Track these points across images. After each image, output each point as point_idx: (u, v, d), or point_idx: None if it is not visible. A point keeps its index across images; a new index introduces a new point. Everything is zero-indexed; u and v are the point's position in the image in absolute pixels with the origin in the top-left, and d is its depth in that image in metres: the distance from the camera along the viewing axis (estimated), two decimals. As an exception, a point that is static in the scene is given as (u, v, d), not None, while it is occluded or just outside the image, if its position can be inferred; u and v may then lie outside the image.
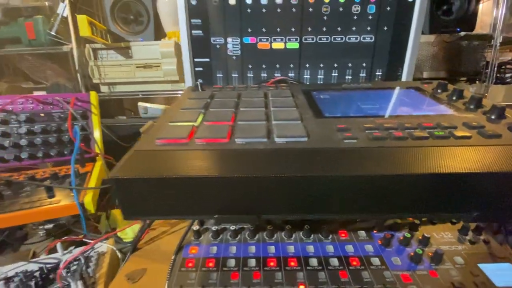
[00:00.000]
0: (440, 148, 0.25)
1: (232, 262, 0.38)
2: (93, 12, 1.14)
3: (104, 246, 0.59)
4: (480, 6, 1.20)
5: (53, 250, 0.58)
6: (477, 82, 1.26)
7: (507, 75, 1.21)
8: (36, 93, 1.21)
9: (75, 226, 0.77)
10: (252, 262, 0.38)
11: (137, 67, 1.10)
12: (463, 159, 0.24)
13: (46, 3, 1.10)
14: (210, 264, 0.38)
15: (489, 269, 0.36)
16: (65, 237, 0.62)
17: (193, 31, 0.58)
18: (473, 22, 1.13)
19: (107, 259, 0.55)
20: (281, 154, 0.26)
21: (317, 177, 0.23)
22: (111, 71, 1.11)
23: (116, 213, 0.71)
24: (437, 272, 0.35)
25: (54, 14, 1.05)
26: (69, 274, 0.49)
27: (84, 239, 0.62)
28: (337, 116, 0.33)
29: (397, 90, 0.45)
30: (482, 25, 1.28)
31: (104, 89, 1.16)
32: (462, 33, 1.12)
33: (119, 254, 0.58)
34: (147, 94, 1.17)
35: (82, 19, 0.88)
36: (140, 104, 1.04)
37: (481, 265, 0.36)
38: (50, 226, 0.79)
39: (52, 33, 1.03)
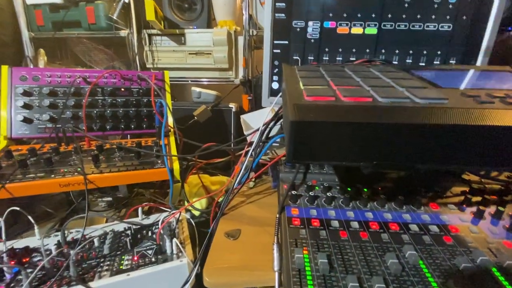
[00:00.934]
0: None
1: (336, 223, 0.41)
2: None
3: (180, 215, 0.63)
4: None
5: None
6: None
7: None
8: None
9: (133, 200, 0.82)
10: (355, 224, 0.41)
11: (189, 53, 1.15)
12: None
13: (107, -11, 1.16)
14: (315, 224, 0.41)
15: None
16: (146, 203, 0.67)
17: (276, 14, 0.61)
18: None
19: (185, 225, 0.59)
20: (429, 111, 0.28)
21: (476, 126, 0.26)
22: (164, 57, 1.16)
23: (185, 187, 0.75)
24: (539, 241, 0.37)
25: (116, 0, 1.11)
26: (165, 234, 0.53)
27: (160, 206, 0.66)
28: (457, 87, 0.36)
29: (490, 72, 0.46)
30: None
31: (155, 73, 1.21)
32: (514, 32, 1.12)
33: (193, 222, 0.62)
34: (195, 80, 1.22)
35: (149, 3, 0.93)
36: (193, 89, 1.08)
37: None
38: (109, 198, 0.85)
39: (114, 17, 1.08)
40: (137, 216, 0.60)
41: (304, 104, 0.29)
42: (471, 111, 0.28)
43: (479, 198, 0.46)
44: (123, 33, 1.16)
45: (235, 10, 1.17)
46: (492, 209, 0.44)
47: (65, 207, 0.78)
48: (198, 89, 1.07)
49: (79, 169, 0.54)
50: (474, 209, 0.43)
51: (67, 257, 0.49)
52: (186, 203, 0.67)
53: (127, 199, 0.83)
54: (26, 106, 0.62)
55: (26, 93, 0.63)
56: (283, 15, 0.62)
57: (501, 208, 0.42)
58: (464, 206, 0.45)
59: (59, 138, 0.62)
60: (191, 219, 0.61)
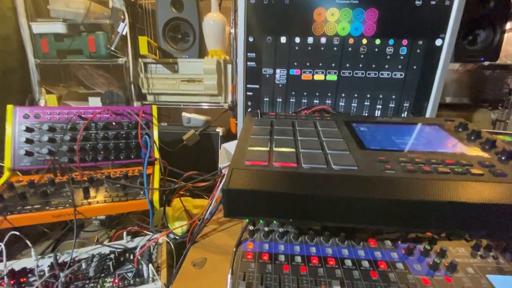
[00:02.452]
0: (458, 182, 0.35)
1: (282, 258, 0.48)
2: (146, 29, 1.29)
3: (161, 238, 0.70)
4: (506, 35, 1.26)
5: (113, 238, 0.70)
6: (499, 108, 1.31)
7: (530, 103, 1.25)
8: (90, 99, 1.37)
9: (126, 219, 0.89)
10: (298, 259, 0.48)
11: (181, 80, 1.24)
12: (475, 192, 0.33)
13: (107, 21, 1.26)
14: (265, 258, 0.48)
15: (496, 279, 0.44)
16: (130, 228, 0.75)
17: (248, 63, 0.70)
18: (497, 52, 1.19)
19: (165, 249, 0.66)
20: (338, 178, 0.36)
21: (368, 198, 0.33)
22: (158, 83, 1.25)
23: (168, 210, 0.82)
24: (452, 279, 0.44)
25: (115, 31, 1.21)
26: (141, 259, 0.60)
27: (143, 230, 0.74)
28: (377, 148, 0.43)
29: (424, 126, 0.54)
30: (506, 54, 1.33)
31: (150, 98, 1.30)
32: (486, 63, 1.19)
33: (172, 246, 0.68)
34: (187, 104, 1.30)
35: (143, 40, 1.02)
36: (184, 114, 1.17)
37: (489, 276, 0.44)
38: (103, 217, 0.92)
39: (112, 48, 1.18)
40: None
41: (240, 169, 0.37)
42: (373, 179, 0.35)
43: (413, 235, 0.52)
44: (121, 61, 1.26)
45: (224, 40, 1.26)
46: (422, 246, 0.50)
47: (61, 226, 0.86)
48: (188, 115, 1.16)
49: (70, 200, 0.62)
50: (406, 245, 0.50)
51: (58, 279, 0.56)
52: (170, 226, 0.74)
53: (119, 218, 0.91)
54: (28, 141, 0.71)
55: (28, 129, 0.72)
56: (254, 63, 0.70)
57: (427, 246, 0.49)
58: (399, 242, 0.51)
59: (55, 169, 0.71)
60: (170, 243, 0.68)
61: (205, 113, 1.26)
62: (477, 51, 1.18)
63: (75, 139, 0.74)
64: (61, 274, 0.56)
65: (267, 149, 0.42)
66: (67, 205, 0.61)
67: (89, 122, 0.77)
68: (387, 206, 0.32)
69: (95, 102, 1.33)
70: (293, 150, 0.41)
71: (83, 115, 0.77)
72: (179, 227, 0.73)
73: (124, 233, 0.70)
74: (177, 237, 0.75)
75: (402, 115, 0.70)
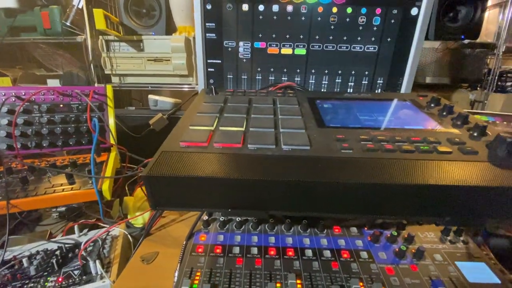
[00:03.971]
0: (423, 161, 0.30)
1: (237, 250, 0.43)
2: (107, 4, 1.17)
3: (117, 230, 0.64)
4: (486, 14, 1.22)
5: (69, 232, 0.64)
6: (478, 89, 1.29)
7: (508, 83, 1.24)
8: (49, 81, 1.25)
9: (87, 210, 0.82)
10: (255, 250, 0.43)
11: (147, 60, 1.14)
12: (441, 172, 0.28)
13: (62, -6, 1.13)
14: (218, 250, 0.43)
15: (465, 266, 0.41)
16: (82, 220, 0.68)
17: (207, 34, 0.62)
18: (478, 30, 1.15)
19: (120, 242, 0.61)
20: (286, 160, 0.30)
21: (317, 182, 0.28)
22: (123, 63, 1.15)
23: (128, 200, 0.76)
24: (417, 267, 0.40)
25: (70, 5, 1.08)
26: (88, 254, 0.54)
27: (98, 223, 0.67)
28: (337, 126, 0.38)
29: (394, 102, 0.49)
30: (486, 33, 1.30)
31: (115, 80, 1.20)
32: (466, 41, 1.15)
33: (130, 238, 0.63)
34: (155, 86, 1.21)
35: (98, 12, 0.91)
36: (150, 96, 1.08)
37: (458, 263, 0.41)
38: (62, 209, 0.85)
39: (68, 23, 1.06)
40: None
41: (172, 151, 0.31)
42: (327, 160, 0.30)
43: (381, 221, 0.49)
44: (80, 38, 1.14)
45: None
46: (389, 232, 0.46)
47: (13, 220, 0.78)
48: (155, 97, 1.07)
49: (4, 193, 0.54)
50: (372, 232, 0.46)
51: (-5, 279, 0.50)
52: (130, 217, 0.68)
53: (79, 210, 0.84)
54: (-45, 126, 0.62)
55: (-45, 113, 0.62)
56: (214, 35, 0.62)
57: (394, 233, 0.45)
58: (365, 229, 0.48)
59: (-10, 158, 0.62)
60: (129, 236, 0.62)
61: (175, 95, 1.18)
62: (457, 28, 1.14)
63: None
64: (-4, 274, 0.49)
65: (211, 128, 0.36)
66: (-1, 198, 0.54)
67: (31, 104, 0.68)
68: (339, 190, 0.27)
69: (54, 84, 1.21)
70: (242, 129, 0.35)
71: (23, 96, 0.68)
72: (136, 217, 0.67)
73: (75, 227, 0.63)
74: (138, 229, 0.69)
75: (376, 92, 0.65)
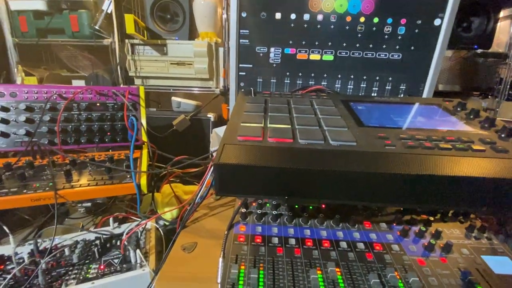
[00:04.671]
0: (460, 158, 0.33)
1: (275, 240, 0.46)
2: (134, 9, 1.23)
3: (149, 224, 0.67)
4: (498, 24, 1.25)
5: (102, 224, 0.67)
6: (489, 97, 1.32)
7: (519, 92, 1.27)
8: (74, 82, 1.30)
9: (113, 205, 0.86)
10: (293, 241, 0.46)
11: (171, 63, 1.19)
12: (477, 167, 0.32)
13: (91, -1, 1.19)
14: (258, 240, 0.46)
15: (490, 260, 0.43)
16: (117, 214, 0.71)
17: (241, 40, 0.66)
18: (491, 40, 1.19)
19: (153, 234, 0.64)
20: (336, 154, 0.34)
21: (366, 173, 0.31)
22: (146, 66, 1.20)
23: (157, 196, 0.79)
24: (447, 259, 0.43)
25: (99, 9, 1.14)
26: (128, 245, 0.57)
27: (130, 216, 0.71)
28: (376, 126, 0.41)
29: (422, 106, 0.52)
30: (498, 43, 1.33)
31: (137, 82, 1.25)
32: (479, 50, 1.18)
33: (161, 232, 0.66)
34: (177, 89, 1.26)
35: (129, 18, 0.96)
36: (173, 98, 1.13)
37: (483, 256, 0.44)
38: (88, 204, 0.89)
39: (96, 27, 1.12)
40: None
41: (233, 144, 0.34)
42: (373, 155, 0.33)
43: (408, 217, 0.52)
44: (106, 41, 1.19)
45: (216, 22, 1.21)
46: (417, 228, 0.49)
47: (44, 213, 0.82)
48: (178, 99, 1.11)
49: (50, 184, 0.58)
50: (401, 227, 0.49)
51: (38, 266, 0.53)
52: (159, 212, 0.72)
53: (105, 205, 0.87)
54: (3, 121, 0.66)
55: (3, 109, 0.67)
56: (247, 41, 0.66)
57: (422, 228, 0.48)
58: (394, 224, 0.51)
59: (34, 152, 0.66)
60: (160, 229, 0.66)
61: (195, 98, 1.22)
62: (470, 38, 1.17)
63: (55, 120, 0.69)
64: (42, 261, 0.53)
65: (261, 125, 0.39)
66: (47, 188, 0.58)
67: (71, 102, 0.72)
68: (388, 181, 0.31)
69: (79, 84, 1.26)
70: (289, 126, 0.39)
71: (64, 95, 0.72)
72: (168, 211, 0.70)
73: (111, 219, 0.67)
74: (166, 223, 0.72)
75: (399, 96, 0.69)
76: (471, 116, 0.45)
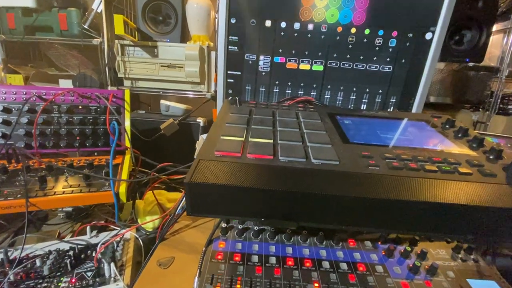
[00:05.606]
0: (446, 181, 0.32)
1: (255, 258, 0.44)
2: (125, 9, 1.20)
3: (128, 234, 0.64)
4: (491, 38, 1.26)
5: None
6: (480, 110, 1.33)
7: (510, 106, 1.28)
8: (61, 81, 1.27)
9: (94, 211, 0.83)
10: (273, 260, 0.44)
11: (161, 66, 1.16)
12: (463, 192, 0.30)
13: (81, -3, 1.16)
14: (237, 258, 0.44)
15: (476, 284, 0.42)
16: (94, 222, 0.68)
17: (229, 47, 0.64)
18: (482, 54, 1.19)
19: (132, 246, 0.61)
20: (317, 174, 0.32)
21: (347, 197, 0.29)
22: (136, 67, 1.17)
23: (139, 203, 0.76)
24: (432, 283, 0.42)
25: (88, 8, 1.11)
26: (101, 256, 0.55)
27: (108, 225, 0.68)
28: (361, 143, 0.40)
29: (410, 122, 0.51)
30: (490, 57, 1.34)
31: (127, 83, 1.22)
32: (471, 64, 1.19)
33: (141, 242, 0.63)
34: (167, 92, 1.23)
35: (118, 18, 0.94)
36: (162, 101, 1.10)
37: (469, 280, 0.42)
38: (69, 209, 0.85)
39: (86, 26, 1.09)
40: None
41: (208, 160, 0.32)
42: (355, 176, 0.32)
43: (394, 236, 0.50)
44: (96, 41, 1.17)
45: (209, 25, 1.19)
46: (403, 247, 0.48)
47: (21, 218, 0.78)
48: (167, 102, 1.09)
49: (22, 191, 0.55)
50: (386, 246, 0.47)
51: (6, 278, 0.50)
52: (140, 221, 0.69)
53: (87, 210, 0.84)
54: (-23, 122, 0.63)
55: (-22, 109, 0.64)
56: (236, 47, 0.65)
57: (408, 248, 0.46)
58: (379, 243, 0.49)
59: (9, 156, 0.63)
60: (140, 239, 0.63)
61: (186, 102, 1.20)
62: (462, 51, 1.18)
63: (33, 122, 0.66)
64: (10, 272, 0.50)
65: (242, 139, 0.38)
66: (18, 196, 0.54)
67: (51, 104, 0.69)
68: (370, 206, 0.29)
69: (66, 84, 1.23)
70: (271, 141, 0.37)
71: (44, 96, 0.69)
72: (149, 222, 0.68)
73: (88, 228, 0.64)
74: (147, 233, 0.70)
75: (388, 110, 0.67)
76: (459, 135, 0.44)
